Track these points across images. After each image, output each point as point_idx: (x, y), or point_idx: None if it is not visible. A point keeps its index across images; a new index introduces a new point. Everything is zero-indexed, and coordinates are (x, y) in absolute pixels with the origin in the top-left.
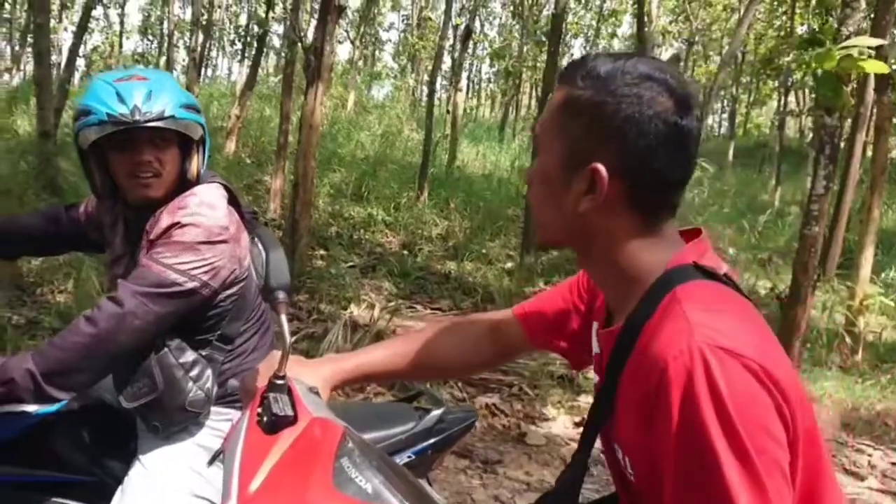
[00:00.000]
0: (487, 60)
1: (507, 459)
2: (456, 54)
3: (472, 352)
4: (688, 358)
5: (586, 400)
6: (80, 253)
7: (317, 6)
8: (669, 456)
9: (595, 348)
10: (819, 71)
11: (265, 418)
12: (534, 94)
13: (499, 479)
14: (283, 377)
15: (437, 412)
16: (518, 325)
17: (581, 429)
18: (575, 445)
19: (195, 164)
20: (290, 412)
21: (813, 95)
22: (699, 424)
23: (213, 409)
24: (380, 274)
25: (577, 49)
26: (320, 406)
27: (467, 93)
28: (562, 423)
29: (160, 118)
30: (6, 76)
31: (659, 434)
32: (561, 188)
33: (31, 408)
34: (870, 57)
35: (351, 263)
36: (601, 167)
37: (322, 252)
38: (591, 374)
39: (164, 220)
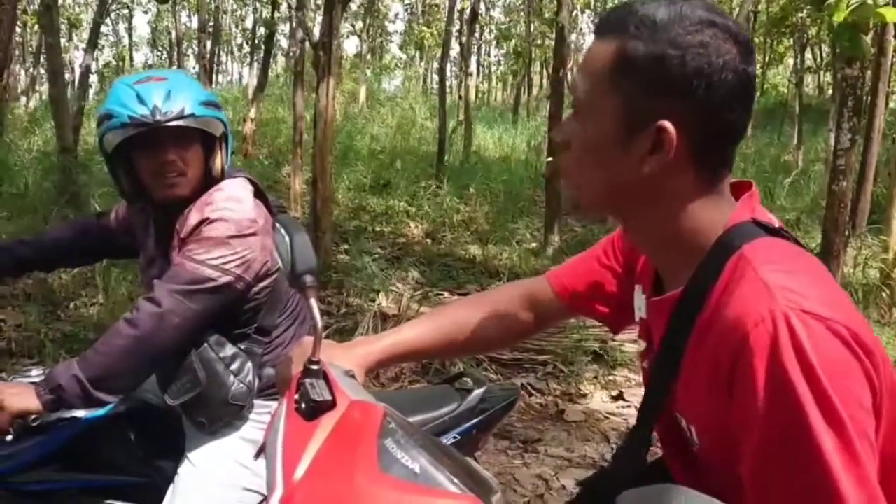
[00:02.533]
0: (495, 43)
1: (547, 437)
2: (463, 39)
3: (507, 322)
4: (770, 324)
5: (622, 374)
6: (114, 261)
7: (321, 2)
8: (754, 426)
9: (639, 313)
10: (836, 22)
11: (303, 405)
12: (544, 72)
13: (540, 457)
14: (317, 362)
15: (478, 392)
16: (553, 292)
17: (620, 402)
18: (613, 419)
19: (219, 161)
20: (328, 396)
21: (829, 50)
22: (789, 393)
23: (256, 402)
24: (405, 264)
25: (584, 23)
26: (357, 389)
27: (478, 77)
28: (599, 399)
29: (180, 117)
30: (23, 98)
31: (741, 404)
32: (617, 151)
33: (80, 413)
34: (887, 4)
35: (375, 255)
36: (669, 125)
37: (346, 246)
38: (627, 347)
39: (193, 217)
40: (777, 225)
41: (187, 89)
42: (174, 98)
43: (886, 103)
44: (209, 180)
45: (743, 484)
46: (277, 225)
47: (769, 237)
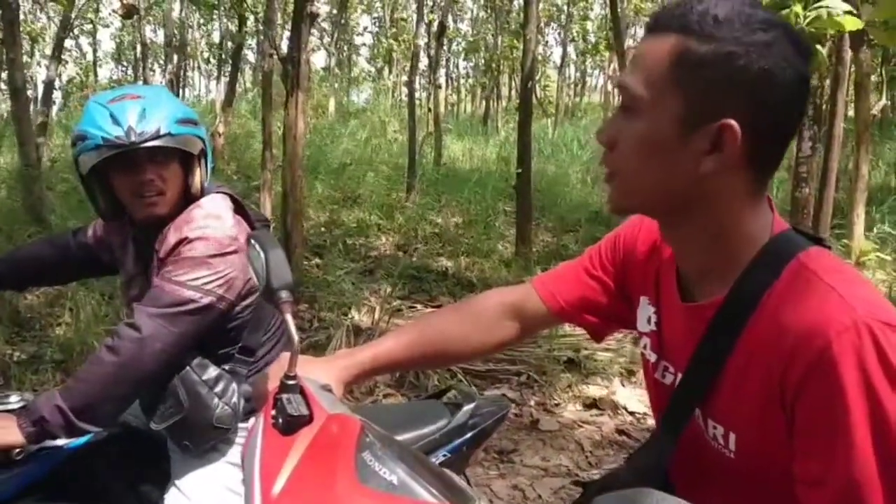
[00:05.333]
0: (463, 55)
1: (522, 448)
2: (432, 52)
3: (490, 331)
4: (854, 334)
5: (595, 383)
6: (87, 279)
7: (288, 16)
8: (839, 430)
9: (648, 325)
10: None
11: (280, 420)
12: (513, 84)
13: (516, 467)
14: (293, 377)
15: (468, 407)
16: (540, 300)
17: (593, 410)
18: (587, 428)
19: (198, 178)
20: (304, 411)
21: None
22: (879, 401)
23: (242, 425)
24: (377, 277)
25: (550, 36)
26: (335, 403)
27: (447, 89)
28: (573, 408)
29: (156, 136)
30: None
31: (819, 409)
32: (674, 150)
33: (62, 442)
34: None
35: (347, 269)
36: (734, 123)
37: (317, 260)
38: (599, 356)
39: (172, 236)
40: (817, 235)
41: (163, 107)
42: (149, 117)
43: (845, 112)
44: (188, 197)
45: (793, 486)
46: (252, 241)
47: (820, 247)
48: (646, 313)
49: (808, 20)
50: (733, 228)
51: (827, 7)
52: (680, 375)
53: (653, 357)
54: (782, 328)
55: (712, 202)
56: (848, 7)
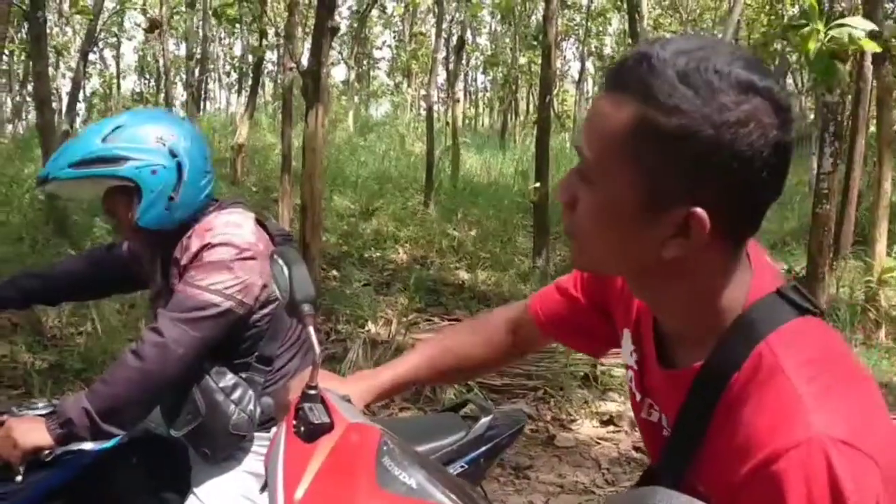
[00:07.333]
0: (482, 69)
1: (538, 464)
2: (451, 66)
3: (495, 347)
4: (805, 454)
5: (612, 399)
6: (124, 294)
7: (308, 30)
8: None
9: (630, 359)
10: (811, 51)
11: (302, 428)
12: (530, 97)
13: (532, 484)
14: (315, 387)
15: (485, 419)
16: (531, 318)
17: (610, 427)
18: (604, 444)
19: (137, 211)
20: (326, 419)
21: (808, 76)
22: None
23: (259, 434)
24: (394, 290)
25: (568, 50)
26: (354, 413)
27: (465, 102)
28: (589, 424)
29: (44, 181)
30: (9, 126)
31: None
32: (634, 228)
33: (87, 446)
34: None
35: (364, 282)
36: (702, 213)
37: (335, 273)
38: (617, 371)
39: (194, 243)
40: (780, 282)
41: (70, 148)
42: (55, 159)
43: (867, 128)
44: (188, 219)
45: None
46: (275, 256)
47: (795, 320)
48: (628, 348)
49: (828, 38)
50: (706, 298)
51: (849, 28)
52: (664, 416)
53: (637, 395)
54: (743, 421)
55: (677, 280)
56: (871, 26)
